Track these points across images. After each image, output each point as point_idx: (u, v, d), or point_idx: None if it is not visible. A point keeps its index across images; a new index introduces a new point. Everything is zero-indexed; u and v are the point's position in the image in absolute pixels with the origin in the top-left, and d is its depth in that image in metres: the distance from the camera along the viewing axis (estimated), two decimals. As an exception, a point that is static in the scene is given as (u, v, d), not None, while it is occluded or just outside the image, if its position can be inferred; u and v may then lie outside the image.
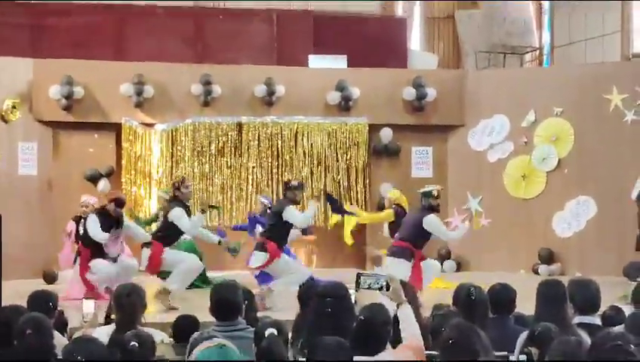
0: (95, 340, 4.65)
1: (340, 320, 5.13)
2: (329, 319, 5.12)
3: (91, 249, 11.31)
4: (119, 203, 11.34)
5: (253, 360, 4.90)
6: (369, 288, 5.46)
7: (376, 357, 4.91)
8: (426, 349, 5.29)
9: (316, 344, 4.60)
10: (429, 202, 11.24)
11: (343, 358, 4.54)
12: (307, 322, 5.55)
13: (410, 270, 10.84)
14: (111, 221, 11.28)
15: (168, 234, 11.11)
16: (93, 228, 11.17)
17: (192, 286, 11.76)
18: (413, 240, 11.09)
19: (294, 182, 11.34)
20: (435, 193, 11.29)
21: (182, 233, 11.25)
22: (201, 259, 11.95)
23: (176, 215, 10.91)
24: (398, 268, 10.50)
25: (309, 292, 6.32)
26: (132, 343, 4.72)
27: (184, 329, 6.88)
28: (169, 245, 11.08)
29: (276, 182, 15.71)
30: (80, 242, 11.81)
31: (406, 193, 15.76)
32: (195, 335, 5.58)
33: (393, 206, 12.64)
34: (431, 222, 11.11)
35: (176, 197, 11.16)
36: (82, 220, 12.14)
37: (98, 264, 11.22)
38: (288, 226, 11.12)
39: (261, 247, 10.99)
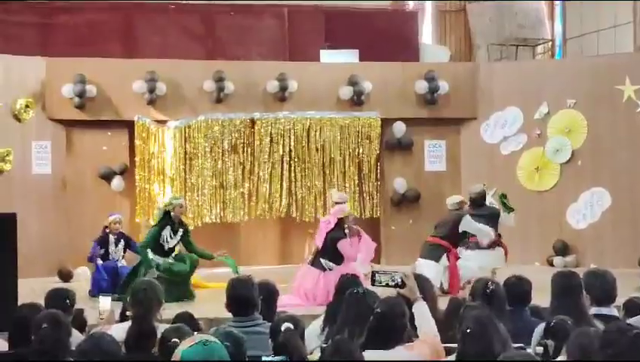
0: (108, 336, 4.67)
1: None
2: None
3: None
4: None
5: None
6: (386, 286, 5.46)
7: (390, 351, 4.91)
8: (443, 343, 5.30)
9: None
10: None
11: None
12: (343, 317, 5.58)
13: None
14: None
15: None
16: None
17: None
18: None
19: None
20: None
21: None
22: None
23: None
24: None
25: (348, 285, 6.22)
26: (173, 339, 4.58)
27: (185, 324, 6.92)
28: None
29: (287, 179, 15.72)
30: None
31: (420, 187, 15.88)
32: (211, 331, 5.57)
33: None
34: None
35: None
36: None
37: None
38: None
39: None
